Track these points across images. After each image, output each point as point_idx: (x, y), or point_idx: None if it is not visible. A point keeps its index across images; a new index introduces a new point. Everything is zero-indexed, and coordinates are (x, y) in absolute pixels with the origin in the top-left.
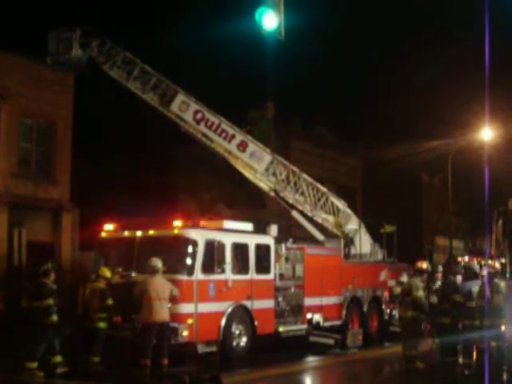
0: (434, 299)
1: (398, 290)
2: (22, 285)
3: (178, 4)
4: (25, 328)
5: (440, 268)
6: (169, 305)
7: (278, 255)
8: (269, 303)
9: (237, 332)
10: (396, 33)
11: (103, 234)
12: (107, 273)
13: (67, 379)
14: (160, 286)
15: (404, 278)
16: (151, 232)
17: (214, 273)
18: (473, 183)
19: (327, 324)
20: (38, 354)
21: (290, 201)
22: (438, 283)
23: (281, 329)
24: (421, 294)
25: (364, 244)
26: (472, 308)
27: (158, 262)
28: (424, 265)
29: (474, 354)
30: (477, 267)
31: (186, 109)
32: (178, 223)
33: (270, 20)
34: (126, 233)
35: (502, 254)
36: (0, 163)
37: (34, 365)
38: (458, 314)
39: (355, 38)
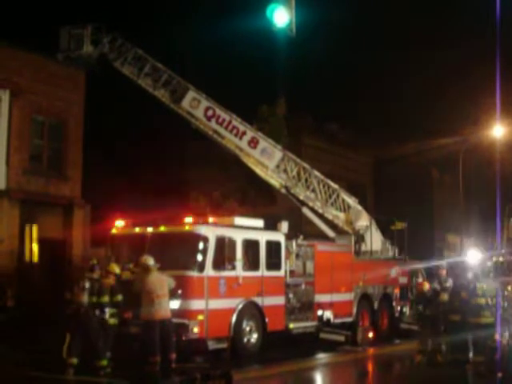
0: (445, 297)
1: None
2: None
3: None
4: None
5: (445, 264)
6: (178, 301)
7: (288, 252)
8: (279, 300)
9: (247, 328)
10: (408, 29)
11: (114, 231)
12: (116, 269)
13: (77, 375)
14: (157, 283)
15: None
16: (162, 228)
17: (225, 269)
18: (484, 180)
19: (338, 321)
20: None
21: (301, 197)
22: (450, 281)
23: (291, 325)
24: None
25: (375, 241)
26: (477, 305)
27: (149, 260)
28: (426, 287)
29: (485, 351)
30: (490, 264)
31: (196, 105)
32: (188, 219)
33: (281, 16)
34: (137, 229)
35: None
36: (12, 159)
37: (105, 362)
38: (465, 311)
39: (366, 33)
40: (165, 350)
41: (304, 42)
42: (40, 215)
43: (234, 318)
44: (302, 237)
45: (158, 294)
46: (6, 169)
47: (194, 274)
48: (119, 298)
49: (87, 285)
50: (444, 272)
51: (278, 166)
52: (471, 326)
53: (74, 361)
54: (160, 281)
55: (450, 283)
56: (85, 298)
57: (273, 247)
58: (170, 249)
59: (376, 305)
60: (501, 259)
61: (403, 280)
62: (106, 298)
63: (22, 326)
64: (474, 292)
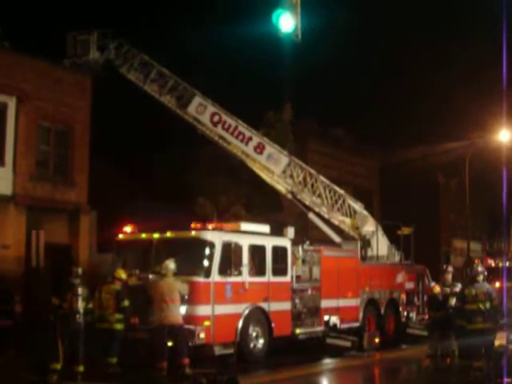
0: (453, 301)
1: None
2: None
3: (194, 5)
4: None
5: (450, 268)
6: (184, 306)
7: (294, 257)
8: (286, 305)
9: (254, 334)
10: (413, 34)
11: (121, 236)
12: (123, 274)
13: (85, 381)
14: (168, 288)
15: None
16: (168, 234)
17: (231, 275)
18: (490, 185)
19: (344, 326)
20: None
21: (307, 203)
22: (459, 285)
23: (298, 331)
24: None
25: (381, 246)
26: (468, 311)
27: (169, 265)
28: (437, 289)
29: (492, 356)
30: (480, 269)
31: (203, 111)
32: (195, 225)
33: (286, 22)
34: (144, 235)
35: None
36: (18, 166)
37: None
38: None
39: (372, 38)
40: (177, 356)
41: (309, 47)
42: (46, 221)
43: (240, 324)
44: (308, 242)
45: (167, 300)
46: (13, 175)
47: (201, 279)
48: (126, 303)
49: (80, 291)
50: (449, 277)
51: (284, 172)
52: (468, 331)
53: (81, 368)
54: (171, 286)
55: (458, 288)
56: (80, 305)
57: (279, 253)
58: (176, 254)
59: (382, 310)
60: (507, 264)
61: (410, 285)
62: (91, 304)
63: (29, 331)
64: (462, 298)
